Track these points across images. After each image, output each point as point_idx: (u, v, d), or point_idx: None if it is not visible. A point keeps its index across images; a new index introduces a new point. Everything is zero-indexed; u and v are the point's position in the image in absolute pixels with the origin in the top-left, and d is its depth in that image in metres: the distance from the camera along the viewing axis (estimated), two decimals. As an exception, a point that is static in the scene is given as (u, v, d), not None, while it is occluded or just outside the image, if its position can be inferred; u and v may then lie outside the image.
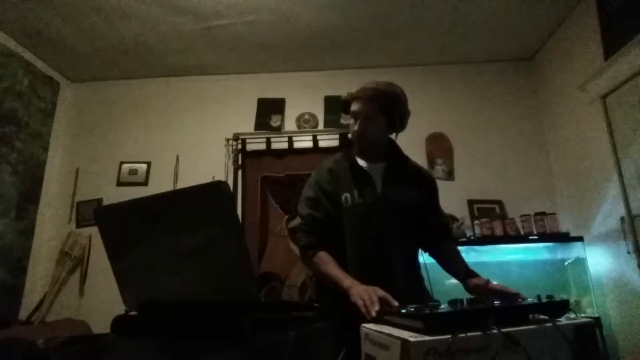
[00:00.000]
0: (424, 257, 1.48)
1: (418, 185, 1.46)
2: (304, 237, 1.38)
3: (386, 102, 1.39)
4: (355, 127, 1.42)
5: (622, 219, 2.32)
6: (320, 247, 1.34)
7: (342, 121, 3.25)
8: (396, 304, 1.02)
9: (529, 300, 0.85)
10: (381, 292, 1.05)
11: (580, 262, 2.65)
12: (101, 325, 1.67)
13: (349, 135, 1.49)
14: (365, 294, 1.05)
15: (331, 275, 1.26)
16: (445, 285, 1.54)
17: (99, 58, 3.21)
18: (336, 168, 1.45)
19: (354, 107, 1.42)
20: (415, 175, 1.50)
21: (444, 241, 1.48)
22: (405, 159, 1.51)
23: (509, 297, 1.07)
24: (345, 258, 1.33)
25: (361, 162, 1.45)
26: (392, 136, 1.50)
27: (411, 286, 1.36)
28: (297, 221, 1.49)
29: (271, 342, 0.73)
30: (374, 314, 0.98)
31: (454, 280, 1.39)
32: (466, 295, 1.05)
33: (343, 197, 1.37)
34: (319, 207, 1.38)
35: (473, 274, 1.30)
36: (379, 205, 1.36)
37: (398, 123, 1.42)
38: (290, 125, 3.32)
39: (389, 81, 1.44)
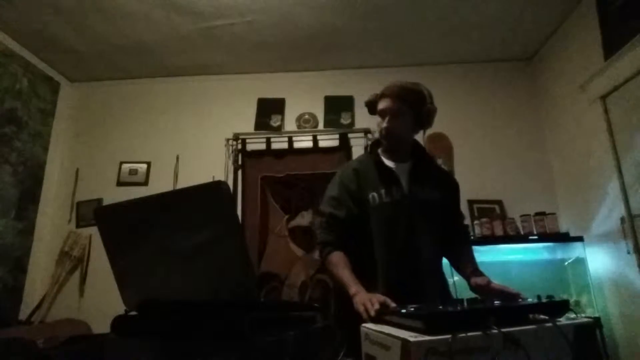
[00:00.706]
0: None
1: (443, 187, 1.47)
2: (323, 234, 1.39)
3: (413, 99, 1.40)
4: (384, 124, 1.41)
5: (622, 219, 2.32)
6: (336, 246, 1.34)
7: (342, 121, 3.25)
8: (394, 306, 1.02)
9: (529, 300, 0.85)
10: (382, 298, 1.05)
11: (580, 262, 2.65)
12: (101, 325, 1.66)
13: (376, 134, 1.49)
14: (366, 301, 1.06)
15: (341, 278, 1.27)
16: (464, 286, 1.53)
17: (99, 58, 3.21)
18: (362, 168, 1.46)
19: (382, 105, 1.42)
20: (440, 177, 1.52)
21: (463, 246, 1.48)
22: (431, 159, 1.54)
23: (509, 297, 1.07)
24: (373, 257, 1.33)
25: (387, 162, 1.46)
26: (419, 135, 1.51)
27: (438, 286, 1.38)
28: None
29: (271, 342, 0.72)
30: (372, 313, 0.98)
31: (460, 279, 1.39)
32: (470, 295, 1.06)
33: (370, 197, 1.37)
34: (341, 207, 1.39)
35: (477, 273, 1.31)
36: (406, 204, 1.36)
37: (425, 119, 1.44)
38: (290, 125, 3.31)
39: (415, 81, 1.47)
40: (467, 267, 1.37)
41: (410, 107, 1.40)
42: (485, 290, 1.21)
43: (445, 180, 1.54)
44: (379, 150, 1.50)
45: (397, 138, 1.43)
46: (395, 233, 1.33)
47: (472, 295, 1.23)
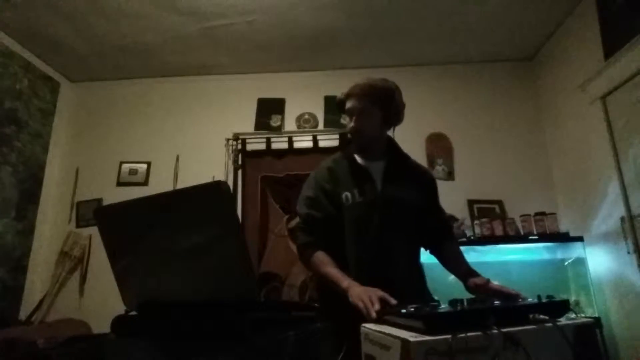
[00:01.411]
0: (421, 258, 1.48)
1: (418, 184, 1.45)
2: (302, 236, 1.38)
3: (380, 96, 1.39)
4: (352, 124, 1.41)
5: (622, 219, 2.32)
6: (318, 247, 1.33)
7: (342, 121, 3.24)
8: (395, 302, 1.02)
9: (529, 300, 0.85)
10: (380, 293, 1.04)
11: (580, 262, 2.65)
12: (101, 325, 1.67)
13: (348, 135, 1.48)
14: (364, 295, 1.05)
15: (329, 275, 1.26)
16: (446, 285, 1.54)
17: (99, 58, 3.21)
18: (335, 167, 1.45)
19: (348, 104, 1.41)
20: (415, 174, 1.50)
21: (446, 240, 1.48)
22: (405, 157, 1.51)
23: (508, 297, 1.07)
24: (346, 257, 1.32)
25: (361, 161, 1.45)
26: (390, 132, 1.50)
27: (412, 286, 1.36)
28: (296, 221, 1.49)
29: (271, 342, 0.72)
30: (374, 315, 0.97)
31: (454, 280, 1.39)
32: (466, 295, 1.06)
33: (343, 196, 1.36)
34: (317, 207, 1.38)
35: (474, 274, 1.30)
36: (380, 203, 1.35)
37: (394, 116, 1.42)
38: (290, 125, 3.31)
39: (382, 77, 1.44)
40: (460, 266, 1.36)
41: (377, 105, 1.38)
42: (484, 291, 1.21)
43: (421, 177, 1.51)
44: (352, 149, 1.49)
45: (365, 137, 1.42)
46: (367, 232, 1.32)
47: (468, 295, 1.22)
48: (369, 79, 1.42)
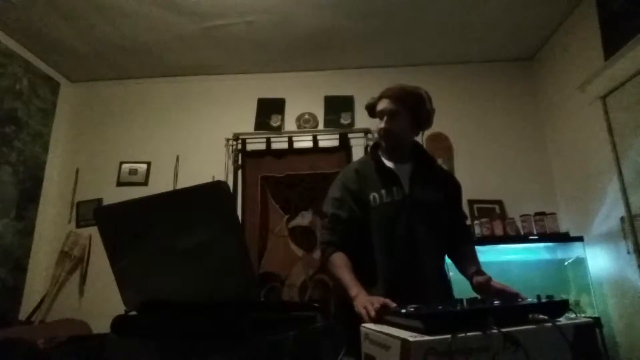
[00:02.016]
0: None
1: (444, 187, 1.48)
2: (326, 234, 1.40)
3: (411, 101, 1.43)
4: (382, 125, 1.44)
5: (622, 219, 2.32)
6: (339, 247, 1.35)
7: (342, 121, 3.25)
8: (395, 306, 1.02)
9: (529, 300, 0.85)
10: (382, 300, 1.05)
11: (580, 262, 2.65)
12: (101, 325, 1.67)
13: (375, 135, 1.53)
14: (367, 303, 1.06)
15: (342, 279, 1.27)
16: (464, 286, 1.53)
17: (99, 58, 3.21)
18: (363, 168, 1.47)
19: (380, 106, 1.44)
20: (441, 178, 1.53)
21: (464, 244, 1.49)
22: (432, 160, 1.54)
23: (508, 297, 1.07)
24: (373, 258, 1.33)
25: (388, 163, 1.47)
26: (419, 136, 1.53)
27: (439, 287, 1.37)
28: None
29: (271, 342, 0.73)
30: (373, 314, 0.99)
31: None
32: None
33: (371, 197, 1.38)
34: (343, 207, 1.39)
35: (480, 273, 1.31)
36: (407, 204, 1.37)
37: (424, 121, 1.46)
38: (290, 125, 3.31)
39: (415, 85, 1.49)
40: (471, 267, 1.37)
41: (408, 108, 1.42)
42: (485, 288, 1.21)
43: (447, 180, 1.55)
44: (380, 152, 1.51)
45: (395, 138, 1.45)
46: (395, 233, 1.33)
47: (473, 294, 1.23)
48: (401, 84, 1.46)
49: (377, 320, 0.97)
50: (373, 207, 1.37)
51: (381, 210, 1.36)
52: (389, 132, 1.43)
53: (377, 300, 1.05)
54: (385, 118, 1.43)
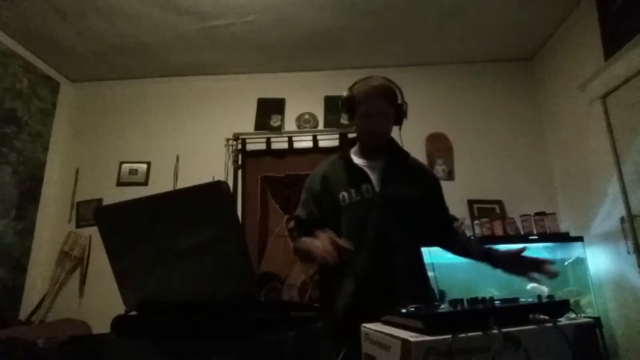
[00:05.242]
0: (430, 256, 1.48)
1: (419, 182, 1.45)
2: (295, 234, 1.43)
3: (393, 97, 1.40)
4: (371, 126, 1.40)
5: (622, 219, 2.32)
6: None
7: (342, 121, 3.24)
8: (346, 245, 1.08)
9: (529, 300, 0.85)
10: (332, 241, 1.09)
11: (580, 262, 2.65)
12: (101, 325, 1.66)
13: (352, 135, 1.50)
14: (323, 252, 1.09)
15: (304, 247, 1.29)
16: (452, 284, 1.54)
17: (99, 58, 3.21)
18: (331, 168, 1.46)
19: (365, 106, 1.39)
20: (416, 172, 1.49)
21: (453, 234, 1.51)
22: (405, 154, 1.50)
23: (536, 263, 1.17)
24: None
25: (357, 160, 1.44)
26: (396, 130, 1.50)
27: (414, 285, 1.35)
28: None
29: (271, 342, 0.72)
30: (331, 258, 1.04)
31: (461, 278, 1.39)
32: (470, 293, 1.06)
33: (340, 196, 1.37)
34: (304, 209, 1.42)
35: (493, 250, 1.34)
36: (377, 202, 1.35)
37: (403, 116, 1.44)
38: (290, 125, 3.31)
39: (382, 76, 1.45)
40: (479, 250, 1.40)
41: (392, 105, 1.40)
42: (518, 259, 1.24)
43: (422, 174, 1.52)
44: (352, 150, 1.49)
45: (382, 139, 1.43)
46: (365, 231, 1.32)
47: (486, 292, 1.23)
48: (379, 79, 1.42)
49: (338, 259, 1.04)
50: (343, 206, 1.36)
51: (351, 209, 1.35)
52: (381, 134, 1.41)
53: (329, 242, 1.09)
54: (373, 119, 1.39)
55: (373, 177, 1.40)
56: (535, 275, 1.20)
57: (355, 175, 1.40)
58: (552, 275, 1.17)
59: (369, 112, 1.39)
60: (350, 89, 1.45)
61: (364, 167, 1.42)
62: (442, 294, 1.43)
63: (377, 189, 1.37)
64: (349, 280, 1.29)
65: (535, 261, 1.19)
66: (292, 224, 2.97)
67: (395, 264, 1.32)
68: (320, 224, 1.33)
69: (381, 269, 1.30)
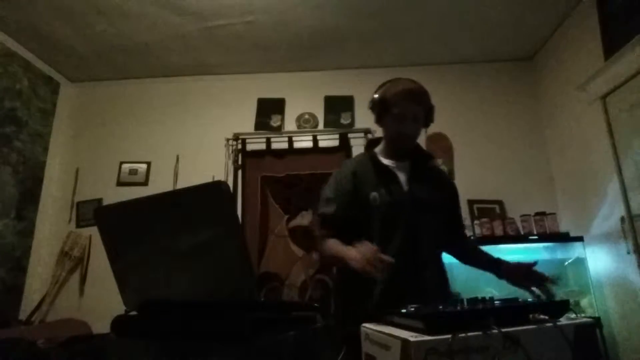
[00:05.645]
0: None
1: (441, 187, 1.49)
2: (319, 230, 1.39)
3: (426, 100, 1.43)
4: (403, 129, 1.40)
5: (622, 219, 2.32)
6: (329, 237, 1.35)
7: (342, 121, 3.24)
8: (389, 260, 1.06)
9: (529, 300, 0.85)
10: (376, 253, 1.08)
11: (580, 262, 2.65)
12: (101, 325, 1.67)
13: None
14: (364, 263, 1.08)
15: (336, 254, 1.27)
16: (452, 284, 1.54)
17: (99, 58, 3.21)
18: (360, 168, 1.46)
19: (404, 108, 1.38)
20: (438, 177, 1.54)
21: (464, 240, 1.54)
22: (430, 156, 1.54)
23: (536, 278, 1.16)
24: None
25: (385, 161, 1.46)
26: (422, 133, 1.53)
27: (439, 284, 1.38)
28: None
29: (271, 342, 0.72)
30: (375, 272, 1.04)
31: (461, 278, 1.40)
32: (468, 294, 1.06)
33: (371, 197, 1.37)
34: (335, 207, 1.39)
35: (502, 261, 1.37)
36: (407, 203, 1.37)
37: (431, 119, 1.47)
38: (290, 125, 3.31)
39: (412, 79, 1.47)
40: (486, 256, 1.44)
41: (424, 109, 1.42)
42: (516, 272, 1.27)
43: (443, 179, 1.56)
44: (377, 150, 1.50)
45: (413, 142, 1.45)
46: (396, 231, 1.33)
47: (486, 292, 1.24)
48: (410, 82, 1.44)
49: (380, 270, 1.04)
50: (373, 206, 1.36)
51: (383, 209, 1.35)
52: (411, 138, 1.43)
53: (372, 255, 1.07)
54: (406, 121, 1.39)
55: (401, 178, 1.41)
56: (536, 290, 1.21)
57: (385, 176, 1.41)
58: (550, 296, 1.18)
59: (403, 115, 1.39)
60: (380, 90, 1.46)
61: (393, 168, 1.43)
62: (458, 295, 1.45)
63: (405, 189, 1.39)
64: (378, 286, 1.29)
65: (542, 277, 1.20)
66: (294, 223, 3.00)
67: (426, 265, 1.34)
68: (349, 223, 1.35)
69: (410, 269, 1.31)
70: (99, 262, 2.93)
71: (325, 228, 1.38)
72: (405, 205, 1.36)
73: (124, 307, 0.88)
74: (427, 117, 1.45)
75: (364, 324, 0.87)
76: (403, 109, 1.38)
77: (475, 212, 3.00)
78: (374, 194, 1.37)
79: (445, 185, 1.53)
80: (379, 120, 1.47)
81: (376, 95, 1.44)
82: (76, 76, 3.46)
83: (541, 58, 3.25)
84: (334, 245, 1.30)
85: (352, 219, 1.36)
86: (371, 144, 1.55)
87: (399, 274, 1.28)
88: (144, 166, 3.28)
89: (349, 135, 3.18)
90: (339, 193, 1.40)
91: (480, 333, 0.67)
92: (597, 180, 2.55)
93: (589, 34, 2.56)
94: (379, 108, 1.43)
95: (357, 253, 1.13)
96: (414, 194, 1.38)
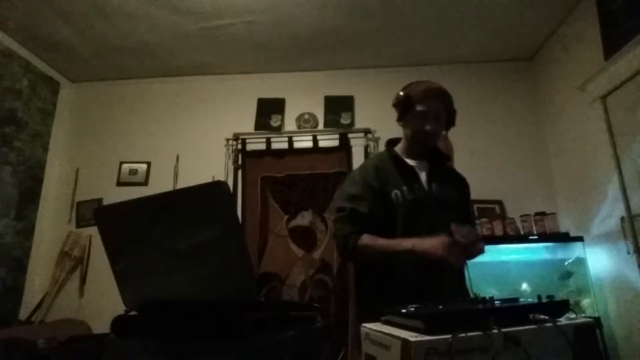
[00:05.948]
0: None
1: (458, 186, 1.53)
2: (345, 227, 1.38)
3: (449, 102, 1.46)
4: (427, 127, 1.43)
5: (622, 219, 2.32)
6: (362, 234, 1.35)
7: (342, 121, 3.24)
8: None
9: (529, 300, 0.85)
10: (453, 242, 1.17)
11: (580, 262, 2.65)
12: (101, 325, 1.67)
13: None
14: (452, 251, 1.17)
15: (387, 245, 1.29)
16: (481, 285, 1.55)
17: (99, 58, 3.21)
18: (382, 166, 1.48)
19: (428, 106, 1.42)
20: (454, 176, 1.58)
21: None
22: (447, 158, 1.58)
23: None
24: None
25: (406, 160, 1.48)
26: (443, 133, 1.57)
27: (458, 281, 1.39)
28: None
29: (271, 342, 0.72)
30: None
31: (472, 281, 1.41)
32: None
33: (393, 194, 1.38)
34: (363, 203, 1.39)
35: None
36: (428, 201, 1.39)
37: (452, 121, 1.52)
38: (290, 125, 3.31)
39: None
40: None
41: (447, 109, 1.46)
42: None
43: (459, 179, 1.60)
44: (397, 148, 1.53)
45: (434, 140, 1.49)
46: (418, 229, 1.34)
47: (490, 292, 1.25)
48: (436, 84, 1.47)
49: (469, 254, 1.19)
50: (396, 204, 1.37)
51: (406, 207, 1.37)
52: (434, 135, 1.46)
53: (450, 242, 1.16)
54: (429, 120, 1.42)
55: (422, 177, 1.44)
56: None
57: (407, 174, 1.44)
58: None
59: (427, 112, 1.42)
60: (405, 89, 1.48)
61: (414, 166, 1.46)
62: (477, 295, 1.44)
63: (426, 188, 1.42)
64: (397, 279, 1.31)
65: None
66: (294, 223, 2.99)
67: (445, 265, 1.34)
68: (378, 219, 1.36)
69: (434, 269, 1.31)
70: (99, 262, 2.93)
71: (355, 224, 1.37)
72: (427, 203, 1.39)
73: (123, 307, 0.88)
74: (449, 119, 1.49)
75: (363, 324, 0.87)
76: (426, 106, 1.42)
77: (475, 212, 2.99)
78: (396, 192, 1.39)
79: (460, 184, 1.57)
80: (401, 118, 1.50)
81: (401, 93, 1.47)
82: (76, 76, 3.46)
83: (541, 58, 3.25)
84: (378, 239, 1.31)
85: (377, 216, 1.37)
86: (391, 143, 1.57)
87: (421, 273, 1.30)
88: (144, 166, 3.28)
89: (349, 135, 3.17)
90: (366, 190, 1.41)
91: (480, 333, 0.67)
92: (597, 180, 2.55)
93: (589, 34, 2.56)
94: (403, 105, 1.46)
95: (437, 242, 1.19)
96: (434, 192, 1.42)
